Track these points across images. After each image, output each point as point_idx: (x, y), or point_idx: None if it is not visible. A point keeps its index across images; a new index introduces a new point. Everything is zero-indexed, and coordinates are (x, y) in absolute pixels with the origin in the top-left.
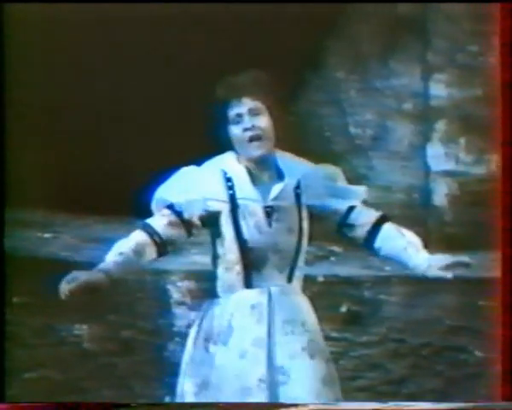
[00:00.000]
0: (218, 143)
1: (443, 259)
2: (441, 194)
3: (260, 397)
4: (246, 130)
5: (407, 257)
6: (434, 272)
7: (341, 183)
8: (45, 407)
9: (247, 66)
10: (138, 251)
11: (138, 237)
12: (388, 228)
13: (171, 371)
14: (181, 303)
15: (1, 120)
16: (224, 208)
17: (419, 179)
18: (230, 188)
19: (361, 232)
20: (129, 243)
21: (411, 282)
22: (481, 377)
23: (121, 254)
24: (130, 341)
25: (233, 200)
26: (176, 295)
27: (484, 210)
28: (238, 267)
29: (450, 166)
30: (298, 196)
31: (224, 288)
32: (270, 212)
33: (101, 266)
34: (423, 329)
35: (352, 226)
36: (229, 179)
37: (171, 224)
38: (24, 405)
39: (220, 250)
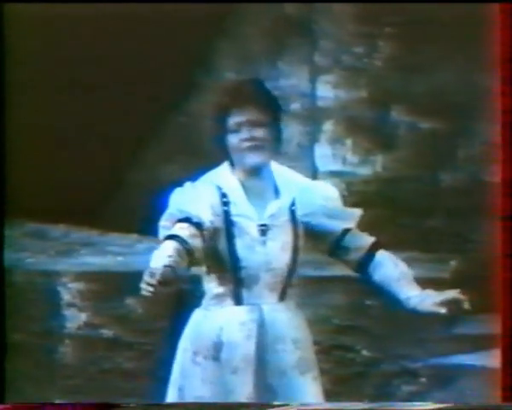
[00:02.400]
0: (216, 154)
1: (436, 295)
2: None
3: None
4: (243, 140)
5: (399, 289)
6: (427, 307)
7: (337, 203)
8: (45, 407)
9: (138, 67)
10: (180, 256)
11: (172, 245)
12: (382, 256)
13: (61, 373)
14: (71, 305)
15: (1, 121)
16: (220, 224)
17: None
18: (225, 204)
19: (354, 257)
20: (169, 250)
21: (299, 282)
22: (368, 377)
23: (170, 256)
24: (20, 343)
25: (227, 217)
26: (66, 296)
27: (370, 210)
28: (229, 284)
29: (337, 166)
30: (293, 214)
31: (213, 302)
32: (264, 230)
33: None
34: (311, 328)
35: (346, 250)
36: (224, 195)
37: (192, 235)
38: (24, 405)
39: (213, 265)
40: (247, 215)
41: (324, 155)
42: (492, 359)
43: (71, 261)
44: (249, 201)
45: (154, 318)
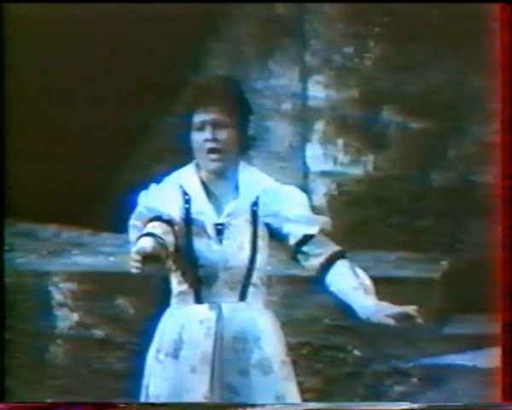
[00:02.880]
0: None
1: (390, 308)
2: (320, 194)
3: None
4: (206, 140)
5: (355, 298)
6: (379, 318)
7: (302, 208)
8: (44, 408)
9: (128, 67)
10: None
11: (150, 240)
12: (342, 265)
13: (53, 373)
14: (63, 305)
15: (1, 120)
16: (181, 223)
17: (298, 180)
18: (186, 202)
19: (314, 263)
20: (148, 242)
21: (291, 281)
22: (360, 377)
23: (152, 244)
24: (11, 343)
25: (187, 215)
26: (58, 296)
27: (361, 210)
28: (190, 282)
29: (328, 166)
30: (254, 213)
31: (177, 300)
32: (220, 229)
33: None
34: (303, 328)
35: (305, 255)
36: (185, 193)
37: (165, 232)
38: (24, 405)
39: (176, 263)
40: (205, 213)
41: (315, 155)
42: (484, 359)
43: (62, 261)
44: (210, 200)
45: (145, 318)
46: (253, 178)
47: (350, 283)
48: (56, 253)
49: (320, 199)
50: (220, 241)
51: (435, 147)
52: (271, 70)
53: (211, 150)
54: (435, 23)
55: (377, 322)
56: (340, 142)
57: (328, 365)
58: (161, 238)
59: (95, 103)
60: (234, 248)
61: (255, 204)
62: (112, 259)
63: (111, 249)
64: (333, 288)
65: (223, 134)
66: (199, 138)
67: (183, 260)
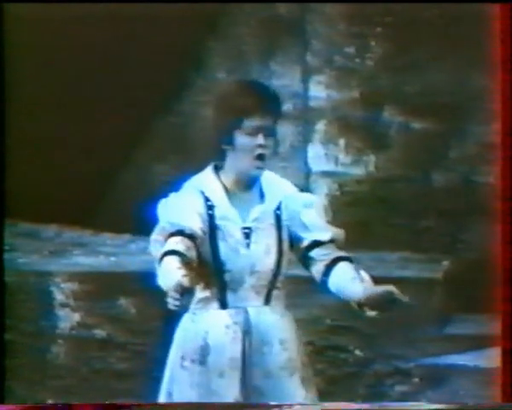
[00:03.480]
0: (207, 151)
1: (375, 288)
2: (321, 194)
3: None
4: (258, 146)
5: (350, 287)
6: (367, 300)
7: (319, 216)
8: (44, 408)
9: (130, 68)
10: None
11: (175, 259)
12: (345, 264)
13: (54, 373)
14: (64, 305)
15: (1, 120)
16: (205, 229)
17: (300, 180)
18: (210, 208)
19: (319, 267)
20: (175, 264)
21: (292, 282)
22: (361, 377)
23: (180, 268)
24: (13, 343)
25: (211, 220)
26: (59, 296)
27: (363, 210)
28: (214, 287)
29: (329, 166)
30: (278, 218)
31: (199, 306)
32: (248, 233)
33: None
34: (304, 328)
35: (312, 260)
36: (207, 199)
37: (188, 248)
38: (24, 406)
39: (199, 269)
40: (230, 218)
41: (317, 156)
42: (485, 359)
43: (63, 261)
44: (233, 204)
45: (146, 318)
46: (276, 184)
47: (349, 275)
48: (58, 253)
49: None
50: (248, 245)
51: (437, 147)
52: (273, 70)
53: (259, 157)
54: (436, 23)
55: (365, 304)
56: (342, 142)
57: (329, 365)
58: (185, 255)
59: (96, 104)
60: (261, 252)
61: (278, 208)
62: (113, 259)
63: (112, 250)
64: (333, 284)
65: (270, 142)
66: (250, 143)
67: (208, 267)
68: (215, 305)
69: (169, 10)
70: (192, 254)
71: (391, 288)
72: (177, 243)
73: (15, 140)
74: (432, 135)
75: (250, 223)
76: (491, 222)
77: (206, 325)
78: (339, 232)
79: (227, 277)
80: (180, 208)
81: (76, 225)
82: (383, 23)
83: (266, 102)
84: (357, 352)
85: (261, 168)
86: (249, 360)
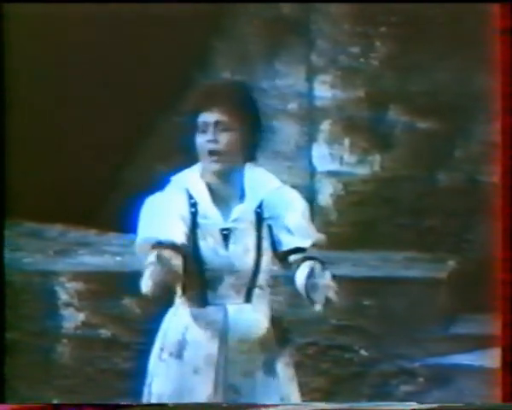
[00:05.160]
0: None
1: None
2: (326, 194)
3: None
4: (208, 142)
5: (302, 274)
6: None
7: (303, 218)
8: (45, 408)
9: (134, 67)
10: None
11: (157, 270)
12: (312, 261)
13: (59, 373)
14: (69, 304)
15: (2, 120)
16: (187, 230)
17: (304, 179)
18: (192, 206)
19: (292, 270)
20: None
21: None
22: (366, 377)
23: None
24: (17, 343)
25: (193, 219)
26: (64, 296)
27: (368, 209)
28: (195, 284)
29: (334, 166)
30: (258, 216)
31: (182, 301)
32: (227, 234)
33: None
34: (309, 328)
35: (288, 265)
36: (191, 197)
37: (171, 258)
38: (24, 405)
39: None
40: (210, 217)
41: (322, 155)
42: (490, 359)
43: (68, 261)
44: (215, 203)
45: (151, 318)
46: (259, 181)
47: (306, 267)
48: (62, 253)
49: (326, 199)
50: (226, 246)
51: (442, 147)
52: (277, 70)
53: (211, 152)
54: (441, 23)
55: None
56: (347, 141)
57: (334, 365)
58: (170, 264)
59: (99, 103)
60: (239, 252)
61: (259, 206)
62: (118, 258)
63: (117, 249)
64: (296, 280)
65: (224, 136)
66: (201, 140)
67: (189, 263)
68: (196, 301)
69: (173, 10)
70: (176, 262)
71: (331, 284)
72: (162, 252)
73: (18, 140)
74: (437, 135)
75: (229, 223)
76: (497, 222)
77: (187, 321)
78: (320, 238)
79: (207, 275)
80: (164, 213)
81: (80, 225)
82: (388, 23)
83: (211, 97)
84: (362, 352)
85: (218, 163)
86: (225, 358)
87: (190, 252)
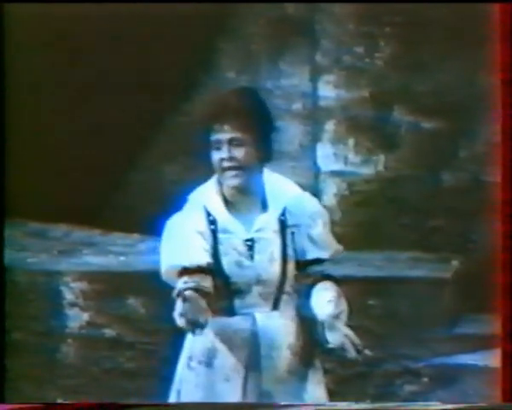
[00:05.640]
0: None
1: (336, 333)
2: (330, 194)
3: None
4: (223, 160)
5: (322, 307)
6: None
7: (324, 228)
8: (45, 409)
9: (139, 67)
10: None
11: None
12: (329, 284)
13: (63, 372)
14: (73, 304)
15: (1, 121)
16: (210, 245)
17: (309, 179)
18: (212, 223)
19: (306, 281)
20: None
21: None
22: (371, 377)
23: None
24: (22, 343)
25: (214, 235)
26: (68, 296)
27: (372, 209)
28: (222, 295)
29: (339, 166)
30: (282, 224)
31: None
32: (251, 245)
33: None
34: (314, 328)
35: (306, 273)
36: (209, 214)
37: (202, 279)
38: (24, 405)
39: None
40: (231, 231)
41: (326, 155)
42: (495, 359)
43: (73, 261)
44: (235, 216)
45: (156, 318)
46: (280, 189)
47: (327, 296)
48: (67, 252)
49: (330, 199)
50: (251, 256)
51: (446, 146)
52: (282, 70)
53: (228, 168)
54: (445, 23)
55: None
56: (351, 141)
57: (338, 364)
58: (202, 288)
59: (104, 103)
60: (265, 262)
61: (283, 214)
62: (122, 258)
63: (122, 249)
64: (311, 299)
65: (239, 152)
66: (217, 157)
67: (215, 279)
68: (224, 311)
69: (178, 10)
70: (205, 285)
71: (351, 333)
72: (190, 279)
73: (21, 140)
74: (441, 134)
75: (253, 234)
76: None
77: (215, 329)
78: (339, 250)
79: (233, 287)
80: (185, 235)
81: (85, 225)
82: (392, 23)
83: (222, 113)
84: (367, 352)
85: (236, 178)
86: (256, 366)
87: (215, 269)
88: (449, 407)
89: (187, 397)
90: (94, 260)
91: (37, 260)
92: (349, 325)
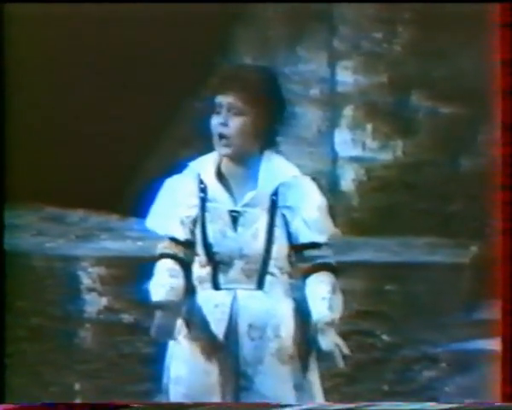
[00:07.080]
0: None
1: (329, 341)
2: (348, 179)
3: (217, 398)
4: (219, 124)
5: (317, 307)
6: (321, 326)
7: (319, 211)
8: (45, 408)
9: (154, 53)
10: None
11: (167, 264)
12: (325, 275)
13: (81, 357)
14: (91, 289)
15: (1, 120)
16: (197, 211)
17: (327, 165)
18: (202, 190)
19: (302, 267)
20: (164, 276)
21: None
22: (388, 362)
23: (163, 286)
24: (39, 327)
25: (202, 203)
26: (86, 281)
27: (390, 195)
28: (207, 267)
29: (357, 152)
30: (273, 203)
31: (196, 283)
32: (236, 217)
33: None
34: None
35: (302, 257)
36: (201, 182)
37: (179, 251)
38: (24, 405)
39: (196, 250)
40: (219, 200)
41: (344, 141)
42: None
43: (90, 246)
44: (226, 188)
45: None
46: (275, 168)
47: (322, 290)
48: (84, 237)
49: (348, 184)
50: (235, 228)
51: (464, 132)
52: (299, 55)
53: (221, 135)
54: (464, 8)
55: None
56: (369, 127)
57: (356, 350)
58: (179, 257)
59: (120, 89)
60: (248, 236)
61: (275, 194)
62: (140, 243)
63: (139, 234)
64: (306, 289)
65: (236, 121)
66: (214, 122)
67: (199, 248)
68: (209, 285)
69: None
70: (183, 254)
71: (341, 343)
72: (166, 248)
73: (32, 130)
74: (459, 120)
75: (240, 207)
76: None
77: (199, 303)
78: (335, 233)
79: (216, 258)
80: (174, 200)
81: (102, 210)
82: (411, 8)
83: (229, 80)
84: (385, 337)
85: (226, 147)
86: (235, 343)
87: (200, 237)
88: (449, 406)
89: (175, 372)
90: (111, 246)
91: (55, 244)
92: (365, 311)
